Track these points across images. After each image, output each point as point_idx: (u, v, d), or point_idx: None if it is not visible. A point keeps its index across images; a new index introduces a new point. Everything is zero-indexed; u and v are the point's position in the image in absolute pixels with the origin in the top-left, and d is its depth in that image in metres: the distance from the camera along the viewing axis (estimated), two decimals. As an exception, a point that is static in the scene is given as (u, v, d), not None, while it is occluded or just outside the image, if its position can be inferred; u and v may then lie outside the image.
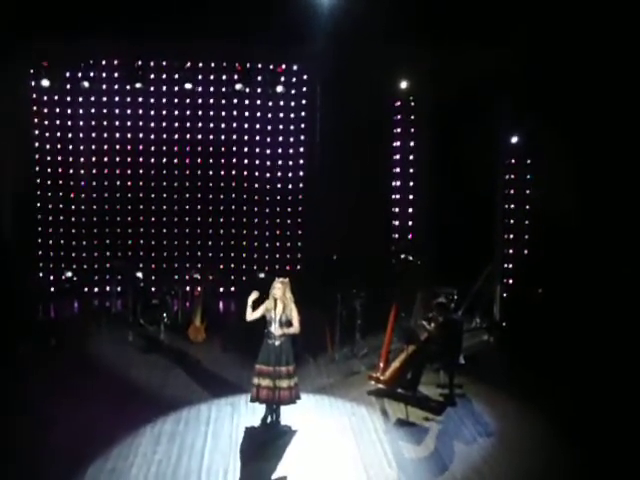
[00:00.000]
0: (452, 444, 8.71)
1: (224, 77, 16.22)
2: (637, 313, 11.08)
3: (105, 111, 16.27)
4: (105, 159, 16.44)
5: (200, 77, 16.12)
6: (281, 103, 16.66)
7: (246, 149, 16.74)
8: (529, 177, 13.86)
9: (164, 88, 16.23)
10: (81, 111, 16.23)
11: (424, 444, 8.74)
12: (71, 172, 16.41)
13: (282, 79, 16.17)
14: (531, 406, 9.96)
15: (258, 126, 16.69)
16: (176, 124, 16.48)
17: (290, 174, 16.88)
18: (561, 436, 8.98)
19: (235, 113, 16.61)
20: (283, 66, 16.15)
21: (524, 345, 12.41)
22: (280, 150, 16.81)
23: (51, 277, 16.49)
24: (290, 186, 16.91)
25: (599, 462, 8.27)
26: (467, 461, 8.23)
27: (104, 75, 15.93)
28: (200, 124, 16.54)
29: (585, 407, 9.83)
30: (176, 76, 15.98)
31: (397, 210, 16.51)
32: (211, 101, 16.49)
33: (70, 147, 16.37)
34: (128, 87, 15.95)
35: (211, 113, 16.55)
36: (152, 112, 16.40)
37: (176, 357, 12.13)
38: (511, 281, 14.15)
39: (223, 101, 16.51)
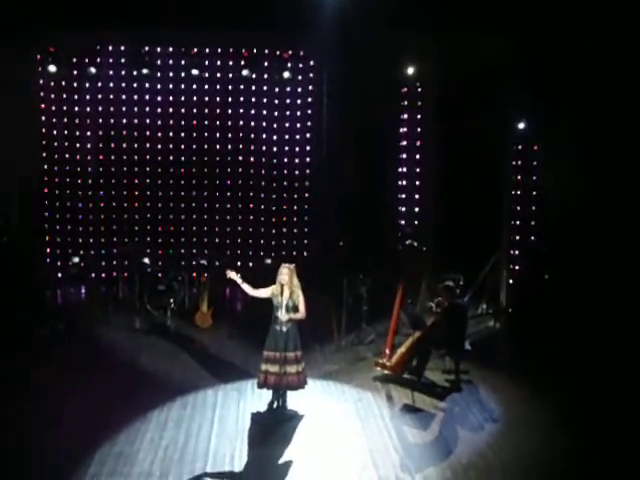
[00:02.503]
0: (458, 430, 8.74)
1: (231, 63, 16.19)
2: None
3: (112, 97, 16.21)
4: (112, 145, 16.43)
5: (207, 63, 16.10)
6: (288, 89, 16.61)
7: (253, 135, 16.68)
8: (536, 163, 13.81)
9: (171, 74, 16.18)
10: (88, 97, 16.19)
11: (430, 430, 8.77)
12: (78, 158, 16.42)
13: (289, 65, 16.20)
14: (537, 392, 9.97)
15: (265, 112, 16.64)
16: (183, 110, 16.42)
17: (297, 160, 16.86)
18: (566, 422, 8.98)
19: (242, 99, 16.55)
20: (290, 52, 16.14)
21: (530, 331, 12.42)
22: (287, 136, 16.78)
23: (58, 263, 16.54)
24: (297, 172, 16.89)
25: (604, 449, 8.27)
26: (472, 446, 8.25)
27: (111, 61, 15.88)
28: (207, 110, 16.49)
29: (591, 394, 9.83)
30: (183, 62, 15.98)
31: (403, 196, 16.47)
32: (218, 87, 16.42)
33: (77, 133, 16.35)
34: (135, 73, 15.98)
35: (218, 99, 16.49)
36: (159, 98, 16.35)
37: (183, 343, 12.17)
38: (517, 267, 14.13)
39: (230, 87, 16.45)
